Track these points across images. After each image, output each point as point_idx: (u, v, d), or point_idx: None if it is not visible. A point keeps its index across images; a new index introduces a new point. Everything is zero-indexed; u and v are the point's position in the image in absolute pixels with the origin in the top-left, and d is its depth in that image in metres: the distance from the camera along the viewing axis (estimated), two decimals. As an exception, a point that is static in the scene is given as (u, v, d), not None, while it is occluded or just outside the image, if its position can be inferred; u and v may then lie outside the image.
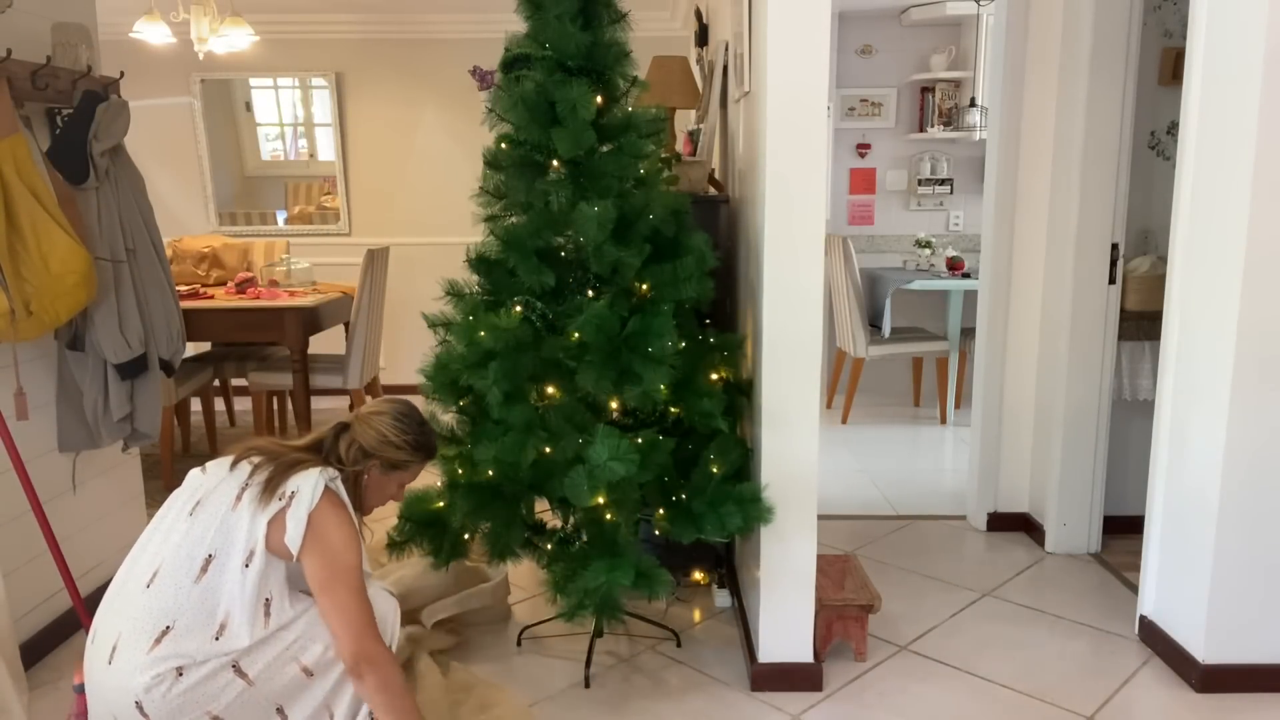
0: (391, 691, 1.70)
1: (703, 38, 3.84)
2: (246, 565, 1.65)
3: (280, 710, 1.69)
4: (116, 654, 1.61)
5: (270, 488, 1.69)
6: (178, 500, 1.77)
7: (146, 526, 1.79)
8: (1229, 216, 2.20)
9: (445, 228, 5.72)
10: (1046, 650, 2.54)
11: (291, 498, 1.68)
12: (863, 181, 5.56)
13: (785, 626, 2.34)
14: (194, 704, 1.61)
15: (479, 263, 2.37)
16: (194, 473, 1.82)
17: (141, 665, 1.59)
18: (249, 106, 5.72)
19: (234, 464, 1.76)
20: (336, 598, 1.67)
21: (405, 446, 1.87)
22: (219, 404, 5.29)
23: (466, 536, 2.47)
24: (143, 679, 1.58)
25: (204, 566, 1.64)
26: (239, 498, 1.69)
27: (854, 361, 5.04)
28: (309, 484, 1.70)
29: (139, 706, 1.58)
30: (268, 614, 1.67)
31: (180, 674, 1.59)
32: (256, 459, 1.75)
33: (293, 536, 1.66)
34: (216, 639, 1.62)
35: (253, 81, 5.65)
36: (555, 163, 2.29)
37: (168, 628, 1.60)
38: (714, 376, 2.40)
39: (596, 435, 2.08)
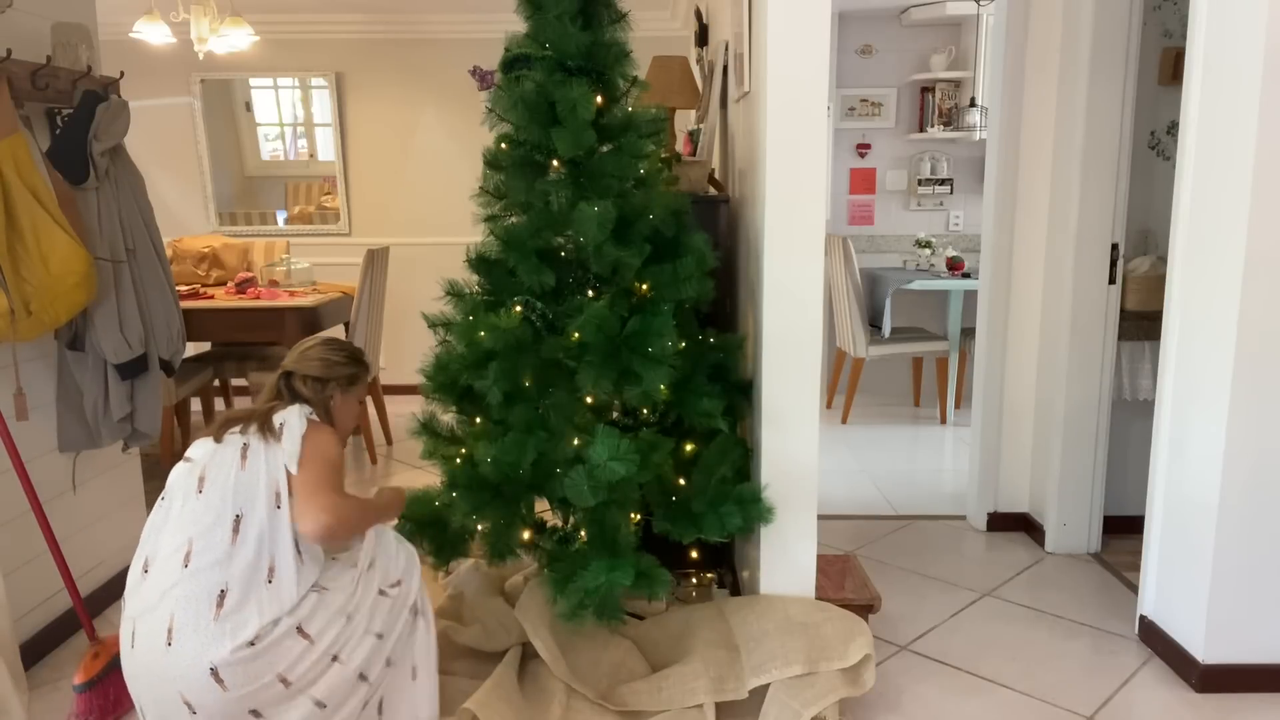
0: (354, 517, 1.82)
1: (703, 38, 3.84)
2: (278, 507, 1.75)
3: (335, 656, 1.77)
4: (175, 634, 1.65)
5: (267, 429, 1.82)
6: (174, 491, 1.82)
7: (145, 529, 1.83)
8: (1229, 216, 2.20)
9: (445, 228, 5.72)
10: (1046, 650, 2.54)
11: (283, 427, 1.82)
12: (863, 181, 5.56)
13: (785, 626, 2.33)
14: (267, 666, 1.67)
15: (479, 263, 2.37)
16: (178, 467, 1.86)
17: (215, 634, 1.64)
18: (249, 106, 5.72)
19: (218, 439, 1.84)
20: (321, 496, 1.76)
21: (348, 361, 2.02)
22: (219, 404, 5.29)
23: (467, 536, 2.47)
24: (220, 647, 1.63)
25: (235, 527, 1.72)
26: (244, 456, 1.78)
27: (854, 361, 5.04)
28: (294, 414, 1.86)
29: (215, 673, 1.63)
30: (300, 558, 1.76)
31: (254, 643, 1.66)
32: (238, 426, 1.85)
33: (290, 451, 1.78)
34: (270, 583, 1.71)
35: (253, 81, 5.65)
36: (555, 163, 2.29)
37: (223, 591, 1.67)
38: (714, 377, 2.40)
39: (596, 435, 2.08)
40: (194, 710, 1.67)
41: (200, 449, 1.85)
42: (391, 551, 1.98)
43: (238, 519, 1.73)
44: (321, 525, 1.73)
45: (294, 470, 1.77)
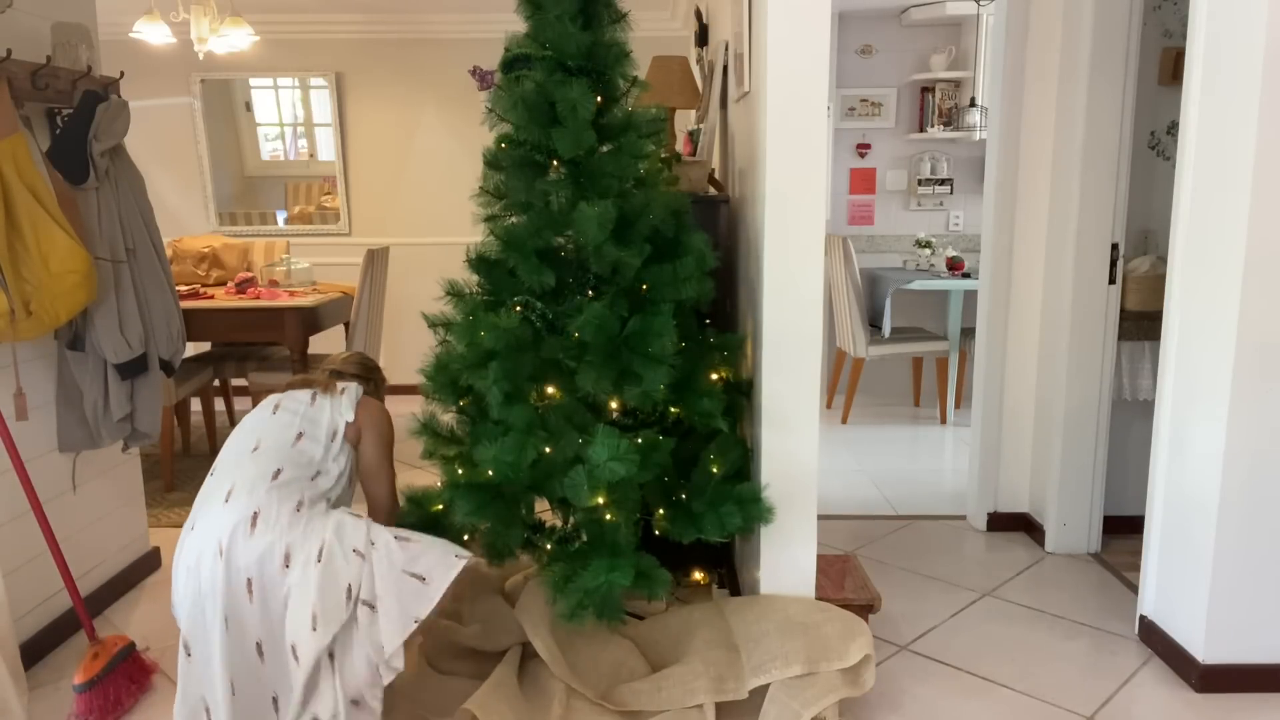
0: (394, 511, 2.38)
1: (703, 38, 3.84)
2: (331, 440, 2.20)
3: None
4: (233, 494, 1.98)
5: (331, 389, 2.30)
6: (248, 421, 2.22)
7: (229, 444, 2.19)
8: (1229, 216, 2.20)
9: (445, 228, 5.72)
10: (1046, 650, 2.54)
11: (345, 390, 2.31)
12: (863, 181, 5.56)
13: (785, 626, 2.33)
14: (289, 534, 1.95)
15: (479, 263, 2.37)
16: (252, 413, 2.25)
17: (264, 490, 1.99)
18: (249, 106, 5.72)
19: (287, 390, 2.30)
20: (383, 476, 2.32)
21: (376, 368, 2.55)
22: (219, 404, 5.29)
23: (466, 537, 2.47)
24: (261, 492, 1.98)
25: (297, 437, 2.16)
26: (313, 399, 2.26)
27: (854, 361, 5.04)
28: (353, 385, 2.34)
29: (254, 518, 1.94)
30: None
31: (299, 509, 1.99)
32: (304, 385, 2.31)
33: (348, 405, 2.27)
34: (313, 480, 2.10)
35: (253, 81, 5.65)
36: (555, 163, 2.29)
37: (278, 470, 2.04)
38: (714, 376, 2.40)
39: (596, 435, 2.08)
40: (252, 593, 1.91)
41: (274, 396, 2.28)
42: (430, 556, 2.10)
43: (300, 435, 2.16)
44: (381, 507, 2.31)
45: (349, 419, 2.25)
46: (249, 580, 1.90)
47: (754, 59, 2.43)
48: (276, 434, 2.14)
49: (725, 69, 3.06)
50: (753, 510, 2.27)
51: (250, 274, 4.42)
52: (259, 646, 1.92)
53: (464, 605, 2.55)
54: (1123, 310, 3.10)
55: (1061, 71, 3.05)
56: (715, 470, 2.31)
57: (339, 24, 5.49)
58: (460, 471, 2.36)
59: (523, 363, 2.22)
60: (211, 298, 4.08)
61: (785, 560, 2.36)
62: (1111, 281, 3.05)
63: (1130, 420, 3.27)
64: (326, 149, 5.72)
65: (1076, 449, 3.14)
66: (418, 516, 2.44)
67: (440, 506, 2.44)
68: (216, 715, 1.92)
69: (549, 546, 2.45)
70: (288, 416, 2.19)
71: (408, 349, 5.79)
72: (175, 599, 1.98)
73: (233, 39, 4.41)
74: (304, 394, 2.28)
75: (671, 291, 2.27)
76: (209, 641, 1.91)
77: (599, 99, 2.24)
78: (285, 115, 5.74)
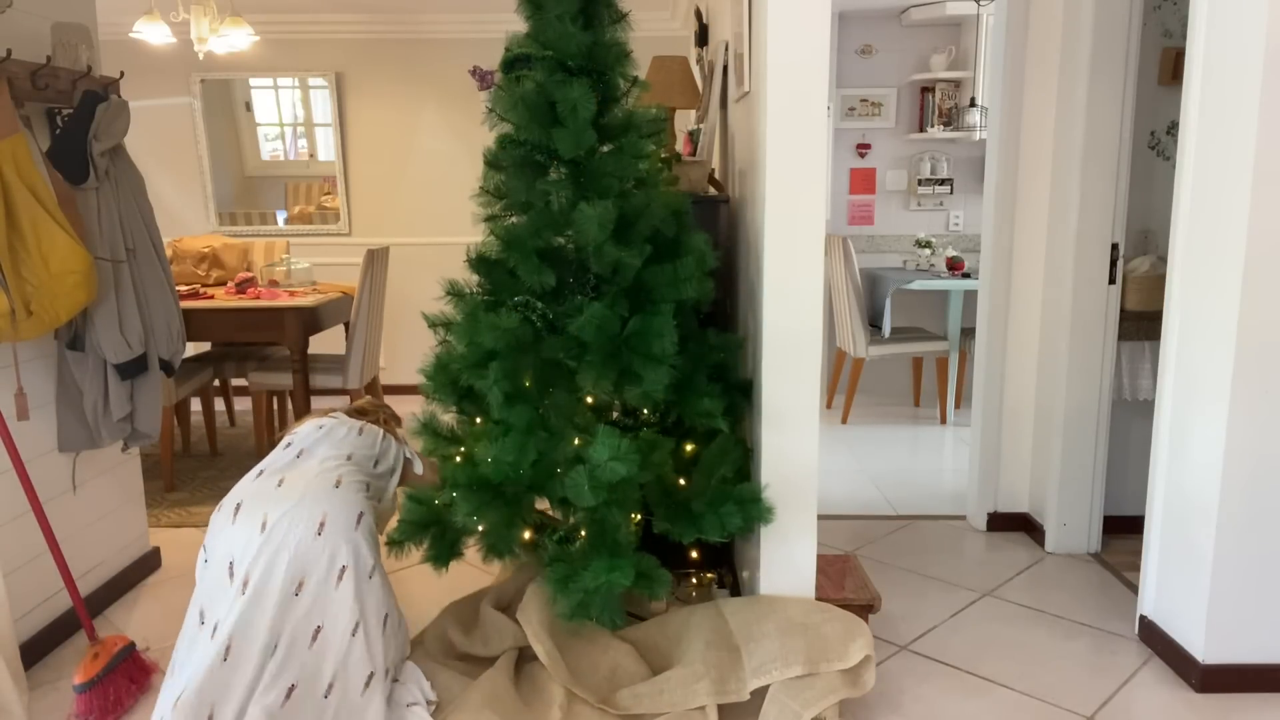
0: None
1: (703, 38, 3.84)
2: (393, 473, 2.52)
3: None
4: (327, 527, 2.13)
5: (391, 431, 2.59)
6: (300, 435, 2.42)
7: (269, 460, 2.35)
8: (1229, 216, 2.20)
9: (445, 228, 5.72)
10: (1046, 650, 2.54)
11: (404, 437, 2.61)
12: (863, 181, 5.56)
13: (785, 626, 2.33)
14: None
15: (479, 263, 2.37)
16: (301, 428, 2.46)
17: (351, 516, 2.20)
18: (249, 106, 5.72)
19: (324, 415, 2.52)
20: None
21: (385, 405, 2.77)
22: (219, 404, 5.29)
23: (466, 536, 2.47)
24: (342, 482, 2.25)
25: (348, 458, 2.36)
26: (360, 431, 2.46)
27: (854, 361, 5.04)
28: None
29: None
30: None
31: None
32: (340, 416, 2.54)
33: (413, 453, 2.61)
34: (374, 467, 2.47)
35: (253, 81, 5.65)
36: (555, 162, 2.29)
37: (339, 479, 2.26)
38: (713, 376, 2.40)
39: (597, 435, 2.08)
40: (300, 591, 2.06)
41: (314, 419, 2.49)
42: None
43: (349, 456, 2.36)
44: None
45: (419, 470, 2.59)
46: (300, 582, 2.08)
47: (754, 59, 2.43)
48: (333, 450, 2.39)
49: (725, 69, 3.06)
50: (753, 510, 2.27)
51: (250, 274, 4.42)
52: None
53: (470, 623, 2.52)
54: (1123, 310, 3.10)
55: (1061, 71, 3.05)
56: (715, 470, 2.31)
57: (339, 24, 5.49)
58: (460, 471, 2.36)
59: (523, 363, 2.22)
60: (211, 298, 4.08)
61: (785, 560, 2.36)
62: (1111, 281, 3.05)
63: (1130, 420, 3.27)
64: (326, 149, 5.72)
65: (1076, 449, 3.14)
66: (419, 515, 2.44)
67: (440, 505, 2.44)
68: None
69: (549, 546, 2.45)
70: (339, 443, 2.40)
71: (408, 349, 5.80)
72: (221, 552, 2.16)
73: (233, 39, 4.41)
74: (348, 424, 2.48)
75: (672, 291, 2.27)
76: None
77: (599, 99, 2.24)
78: (285, 115, 5.75)
